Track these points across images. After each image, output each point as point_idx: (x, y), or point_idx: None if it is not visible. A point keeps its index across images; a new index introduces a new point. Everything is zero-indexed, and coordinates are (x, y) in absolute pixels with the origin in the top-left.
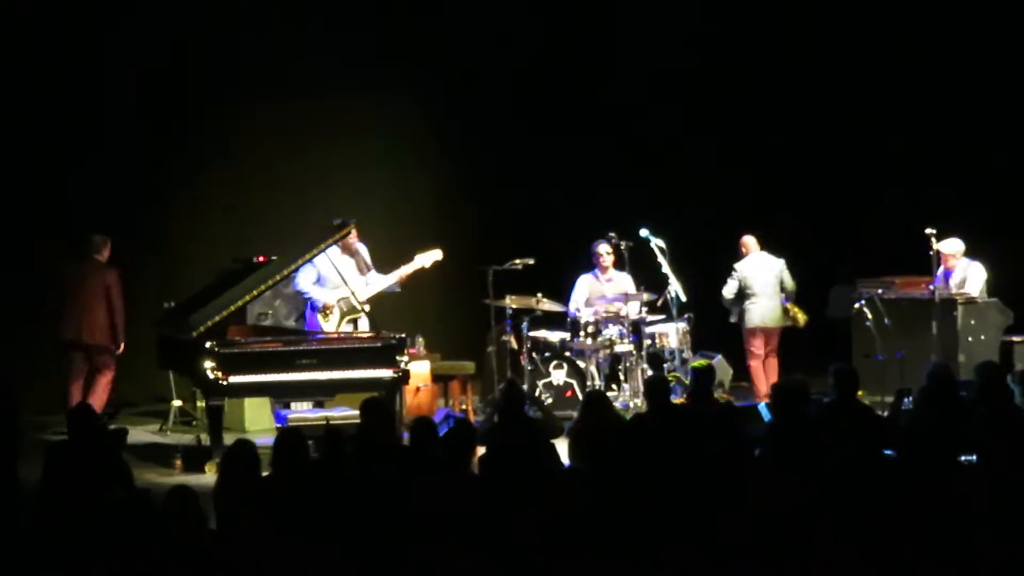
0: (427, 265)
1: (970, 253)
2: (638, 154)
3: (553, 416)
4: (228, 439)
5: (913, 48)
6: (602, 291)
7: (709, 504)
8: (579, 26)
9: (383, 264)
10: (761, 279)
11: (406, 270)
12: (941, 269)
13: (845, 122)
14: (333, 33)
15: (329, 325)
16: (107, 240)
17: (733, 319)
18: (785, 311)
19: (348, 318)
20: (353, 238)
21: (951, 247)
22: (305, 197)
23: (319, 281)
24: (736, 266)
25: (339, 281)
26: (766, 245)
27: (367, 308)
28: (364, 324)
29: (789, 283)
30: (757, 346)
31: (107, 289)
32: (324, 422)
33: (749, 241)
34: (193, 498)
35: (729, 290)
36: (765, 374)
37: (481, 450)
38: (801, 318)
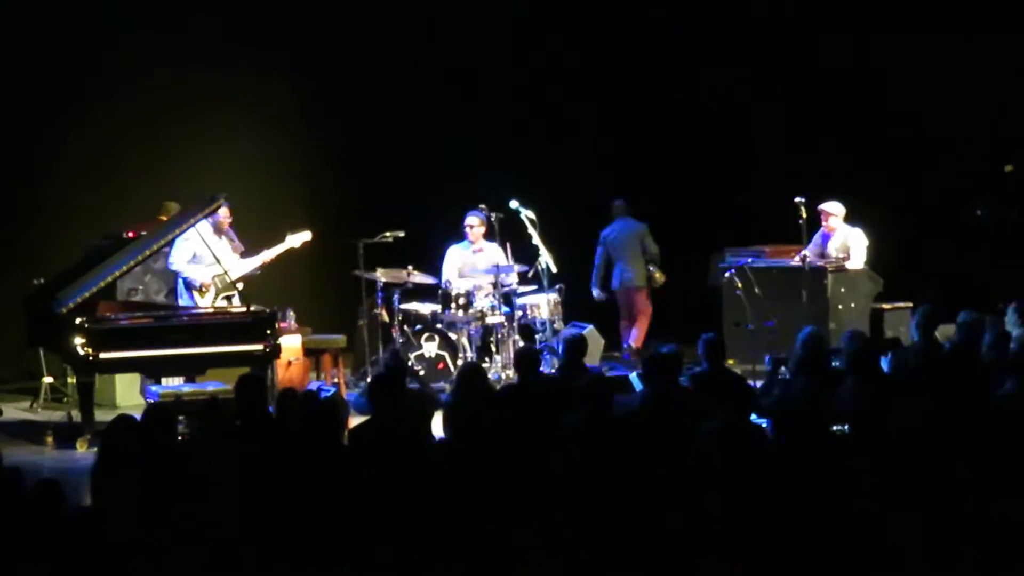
0: (296, 246)
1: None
2: (510, 123)
3: (430, 388)
4: (99, 415)
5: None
6: (473, 262)
7: (576, 475)
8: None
9: (250, 239)
10: (621, 243)
11: (276, 250)
12: (820, 231)
13: (717, 88)
14: (202, 7)
15: (205, 302)
16: (176, 205)
17: (595, 294)
18: (648, 273)
19: (223, 295)
20: (226, 219)
21: (834, 208)
22: (174, 172)
23: (194, 259)
24: (602, 233)
25: (213, 259)
26: (634, 211)
27: (240, 286)
28: (237, 302)
29: (652, 248)
30: (621, 308)
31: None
32: (198, 397)
33: (614, 205)
34: (58, 491)
35: (599, 258)
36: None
37: (355, 421)
38: (657, 277)
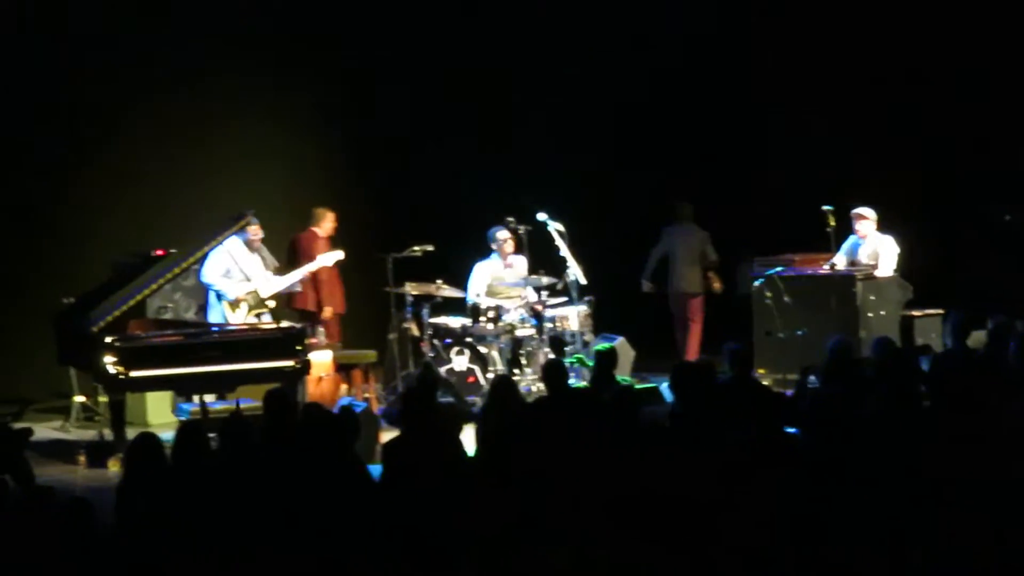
0: (329, 264)
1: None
2: (536, 134)
3: (464, 400)
4: (131, 433)
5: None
6: (503, 277)
7: (607, 487)
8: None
9: (280, 256)
10: (679, 246)
11: (308, 269)
12: (851, 239)
13: (739, 97)
14: (227, 21)
15: (237, 317)
16: (328, 213)
17: (645, 287)
18: (707, 279)
19: (255, 312)
20: (257, 236)
21: (868, 212)
22: (201, 189)
23: (226, 275)
24: (663, 228)
25: (243, 277)
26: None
27: (271, 304)
28: (268, 319)
29: (712, 255)
30: (675, 309)
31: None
32: (230, 412)
33: (683, 206)
34: (88, 511)
35: (655, 252)
36: (686, 338)
37: (387, 436)
38: (716, 285)
